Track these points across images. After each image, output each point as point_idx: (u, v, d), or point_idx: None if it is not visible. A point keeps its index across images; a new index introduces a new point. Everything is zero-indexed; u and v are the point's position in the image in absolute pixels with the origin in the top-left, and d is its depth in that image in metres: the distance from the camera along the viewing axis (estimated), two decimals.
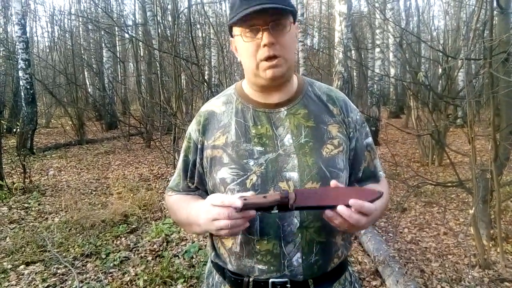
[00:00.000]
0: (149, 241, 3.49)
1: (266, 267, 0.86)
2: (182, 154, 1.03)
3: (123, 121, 10.05)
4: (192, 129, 1.00)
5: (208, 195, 0.96)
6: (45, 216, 4.21)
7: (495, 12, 3.17)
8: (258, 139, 0.91)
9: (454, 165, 3.70)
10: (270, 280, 0.86)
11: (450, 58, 5.02)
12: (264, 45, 0.85)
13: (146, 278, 2.76)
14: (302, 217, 0.85)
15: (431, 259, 3.05)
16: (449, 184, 4.01)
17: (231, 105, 0.97)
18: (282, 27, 0.86)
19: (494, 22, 3.34)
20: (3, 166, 5.41)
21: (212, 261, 1.01)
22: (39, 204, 4.58)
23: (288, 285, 0.85)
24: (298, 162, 0.87)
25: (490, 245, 3.18)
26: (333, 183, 0.79)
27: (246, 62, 0.90)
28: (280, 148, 0.89)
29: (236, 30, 0.90)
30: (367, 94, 9.37)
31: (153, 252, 3.28)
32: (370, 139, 1.01)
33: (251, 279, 0.88)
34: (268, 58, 0.85)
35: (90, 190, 5.19)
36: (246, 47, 0.88)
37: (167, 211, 4.34)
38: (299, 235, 0.85)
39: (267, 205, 0.76)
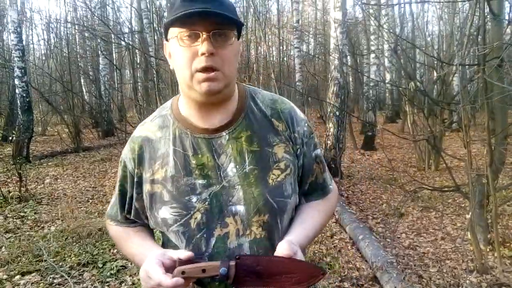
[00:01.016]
0: None
1: None
2: (118, 184, 0.94)
3: (120, 128, 10.03)
4: (127, 157, 0.91)
5: (148, 227, 0.94)
6: (41, 225, 4.18)
7: (488, 18, 3.22)
8: (199, 170, 0.83)
9: (451, 169, 3.72)
10: None
11: (444, 64, 5.07)
12: (202, 54, 0.76)
13: None
14: (252, 251, 0.82)
15: (429, 264, 3.05)
16: (446, 189, 4.03)
17: (168, 130, 0.88)
18: (225, 38, 0.78)
19: (487, 28, 3.39)
20: None
21: None
22: (35, 213, 4.55)
23: None
24: (243, 194, 0.82)
25: (488, 249, 3.19)
26: (279, 250, 0.77)
27: (179, 70, 0.80)
28: (223, 179, 0.82)
29: (173, 32, 0.79)
30: (363, 99, 9.43)
31: None
32: (318, 151, 0.95)
33: None
34: (205, 70, 0.77)
35: (86, 198, 5.16)
36: (182, 53, 0.78)
37: None
38: None
39: (206, 277, 0.75)
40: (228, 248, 0.81)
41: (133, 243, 0.92)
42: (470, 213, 2.82)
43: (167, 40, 0.84)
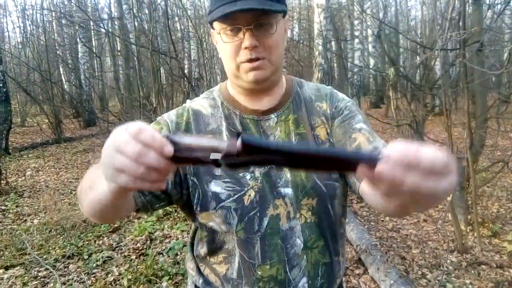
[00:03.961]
0: (132, 239, 3.45)
1: None
2: None
3: (102, 118, 9.85)
4: (170, 119, 0.86)
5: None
6: (24, 218, 4.10)
7: (469, 2, 3.24)
8: None
9: None
10: None
11: (426, 49, 5.10)
12: (245, 48, 0.76)
13: (130, 277, 2.73)
14: (305, 236, 0.79)
15: (412, 246, 3.13)
16: None
17: (218, 110, 0.87)
18: (268, 27, 0.77)
19: (467, 12, 3.41)
20: None
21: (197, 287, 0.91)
22: (16, 206, 4.45)
23: None
24: (291, 176, 0.81)
25: (468, 230, 3.29)
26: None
27: (226, 62, 0.82)
28: None
29: (216, 25, 0.80)
30: (348, 85, 9.47)
31: (137, 251, 3.25)
32: (364, 125, 0.86)
33: None
34: (250, 60, 0.77)
35: (69, 190, 5.07)
36: (226, 48, 0.79)
37: None
38: (304, 257, 0.79)
39: (205, 151, 0.50)
40: (281, 230, 0.78)
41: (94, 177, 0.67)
42: (450, 195, 2.89)
43: (212, 28, 0.83)
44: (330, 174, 0.83)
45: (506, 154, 4.05)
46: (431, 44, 6.41)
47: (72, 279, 2.82)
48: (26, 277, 2.85)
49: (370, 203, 0.75)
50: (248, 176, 0.80)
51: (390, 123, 6.00)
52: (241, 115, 0.86)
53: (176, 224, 3.76)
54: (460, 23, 2.89)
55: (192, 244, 0.93)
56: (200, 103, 0.89)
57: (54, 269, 2.93)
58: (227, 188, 0.79)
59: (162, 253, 3.16)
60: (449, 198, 2.92)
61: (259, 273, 0.78)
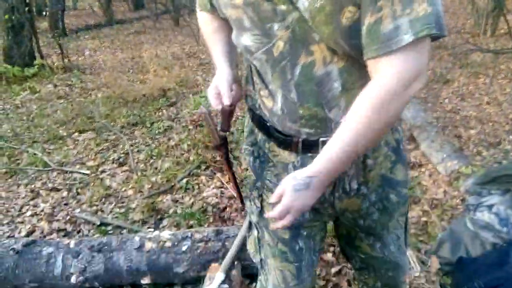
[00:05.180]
0: (188, 112, 3.64)
1: (313, 130, 0.81)
2: None
3: None
4: None
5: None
6: (89, 92, 4.42)
7: None
8: None
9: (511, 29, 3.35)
10: (320, 140, 0.80)
11: None
12: None
13: (189, 143, 2.96)
14: (343, 79, 0.75)
15: (471, 125, 3.02)
16: (501, 51, 3.71)
17: None
18: None
19: None
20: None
21: (252, 118, 0.95)
22: (81, 82, 4.77)
23: None
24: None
25: None
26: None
27: None
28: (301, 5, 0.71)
29: None
30: None
31: (193, 122, 3.44)
32: None
33: (300, 139, 0.83)
34: None
35: (127, 69, 5.29)
36: None
37: (203, 86, 4.42)
38: (342, 98, 0.77)
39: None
40: (315, 76, 0.76)
41: (213, 40, 0.98)
42: None
43: None
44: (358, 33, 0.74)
45: None
46: None
47: (138, 142, 3.11)
48: (98, 140, 3.19)
49: None
50: (276, 27, 0.74)
51: None
52: None
53: None
54: None
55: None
56: None
57: (121, 133, 3.23)
58: (256, 41, 0.78)
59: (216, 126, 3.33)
60: None
61: (301, 111, 0.80)
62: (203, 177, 2.55)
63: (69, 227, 2.14)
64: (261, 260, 1.05)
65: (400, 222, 1.00)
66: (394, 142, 0.89)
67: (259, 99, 0.89)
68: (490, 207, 1.67)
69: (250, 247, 1.10)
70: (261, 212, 0.96)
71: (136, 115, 3.58)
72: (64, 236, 2.07)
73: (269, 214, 0.78)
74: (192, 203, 2.26)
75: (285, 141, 0.85)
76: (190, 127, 3.35)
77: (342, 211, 0.92)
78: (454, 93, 3.77)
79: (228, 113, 0.87)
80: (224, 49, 0.95)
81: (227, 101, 0.85)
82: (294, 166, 0.86)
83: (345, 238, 1.08)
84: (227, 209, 2.21)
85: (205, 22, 0.99)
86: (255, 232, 1.04)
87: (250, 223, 1.08)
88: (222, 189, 2.41)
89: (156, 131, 3.26)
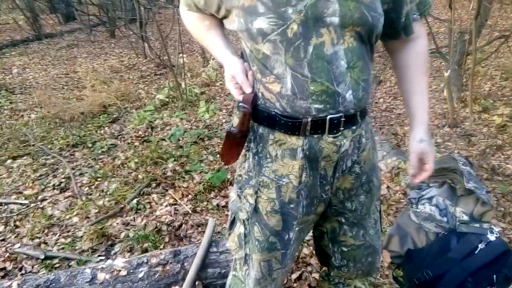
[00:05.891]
0: (133, 128, 3.52)
1: (323, 105, 0.88)
2: None
3: (81, 10, 9.16)
4: None
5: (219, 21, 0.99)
6: (20, 114, 4.09)
7: None
8: None
9: (433, 33, 3.67)
10: (328, 117, 0.89)
11: None
12: None
13: (137, 160, 2.85)
14: (348, 58, 0.87)
15: (405, 123, 3.25)
16: None
17: None
18: None
19: None
20: None
21: (251, 114, 0.98)
22: (10, 103, 4.40)
23: (343, 119, 0.90)
24: (339, 6, 0.84)
25: (460, 107, 3.39)
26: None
27: None
28: None
29: None
30: None
31: (139, 138, 3.33)
32: None
33: (309, 119, 0.89)
34: None
35: (61, 85, 4.98)
36: None
37: (146, 100, 4.29)
38: (348, 75, 0.87)
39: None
40: (325, 54, 0.86)
41: (208, 36, 1.03)
42: (448, 71, 2.89)
43: None
44: (376, 9, 0.88)
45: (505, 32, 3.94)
46: None
47: (80, 164, 2.94)
48: (35, 165, 2.96)
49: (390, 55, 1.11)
50: (290, 10, 0.83)
51: None
52: None
53: (174, 112, 3.80)
54: None
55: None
56: None
57: (60, 156, 3.03)
58: (271, 23, 0.85)
59: (164, 139, 3.26)
60: (446, 74, 2.93)
61: (312, 88, 0.87)
62: (154, 195, 2.48)
63: (9, 266, 1.95)
64: (245, 255, 1.09)
65: (376, 207, 1.11)
66: (369, 131, 1.02)
67: (261, 87, 0.94)
68: (430, 199, 1.81)
69: (231, 245, 1.13)
70: (255, 208, 1.01)
71: (76, 135, 3.38)
72: (4, 277, 1.89)
73: (423, 175, 1.04)
74: (145, 224, 2.18)
75: (293, 125, 0.91)
76: (136, 143, 3.24)
77: (336, 189, 1.02)
78: (387, 92, 4.04)
79: (248, 112, 0.92)
80: (225, 42, 1.02)
81: (249, 89, 0.93)
82: (302, 150, 0.93)
83: (329, 234, 1.13)
84: (183, 226, 2.17)
85: (194, 21, 1.04)
86: (241, 229, 1.07)
87: (233, 220, 1.11)
88: (176, 206, 2.35)
89: (99, 151, 3.11)
